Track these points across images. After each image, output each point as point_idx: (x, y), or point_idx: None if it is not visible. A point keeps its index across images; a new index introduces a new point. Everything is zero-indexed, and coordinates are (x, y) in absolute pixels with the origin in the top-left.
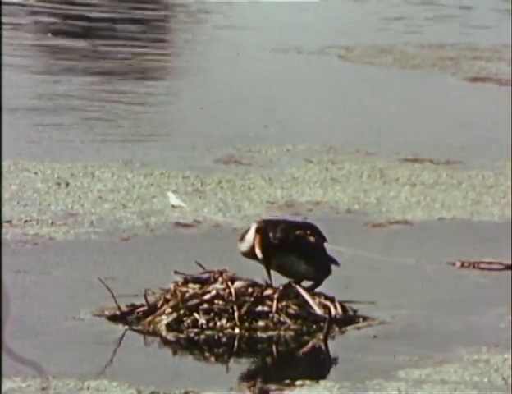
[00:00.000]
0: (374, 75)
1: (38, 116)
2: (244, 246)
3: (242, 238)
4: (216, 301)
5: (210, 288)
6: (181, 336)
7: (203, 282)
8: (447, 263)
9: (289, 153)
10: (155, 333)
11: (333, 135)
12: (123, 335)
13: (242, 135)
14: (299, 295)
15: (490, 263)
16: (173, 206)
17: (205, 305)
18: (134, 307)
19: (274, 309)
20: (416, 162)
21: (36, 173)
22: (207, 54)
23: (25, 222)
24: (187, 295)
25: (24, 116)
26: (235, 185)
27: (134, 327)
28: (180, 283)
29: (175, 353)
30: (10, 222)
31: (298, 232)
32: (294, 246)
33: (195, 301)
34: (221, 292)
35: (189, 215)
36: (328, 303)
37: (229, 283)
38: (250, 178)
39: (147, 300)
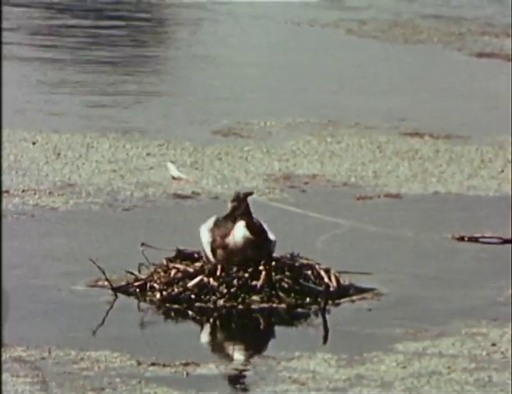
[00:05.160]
0: (375, 49)
1: (37, 87)
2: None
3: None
4: (208, 278)
5: (201, 264)
6: (175, 308)
7: (195, 258)
8: (444, 237)
9: (288, 126)
10: (151, 306)
11: (333, 109)
12: (119, 307)
13: (241, 107)
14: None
15: (489, 237)
16: (173, 178)
17: (198, 281)
18: (128, 282)
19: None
20: (416, 136)
21: (34, 143)
22: (209, 26)
23: (23, 191)
24: (179, 272)
25: (23, 85)
26: (233, 158)
27: (130, 300)
28: (172, 258)
29: (170, 325)
30: (8, 191)
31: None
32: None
33: (187, 278)
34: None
35: (187, 187)
36: (323, 274)
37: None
38: (248, 150)
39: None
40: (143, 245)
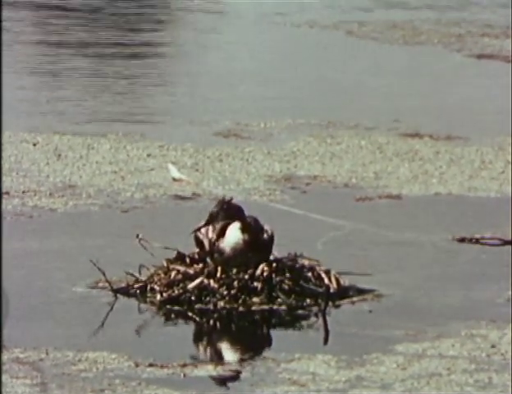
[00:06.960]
0: (375, 50)
1: (38, 88)
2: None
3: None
4: (208, 279)
5: (202, 266)
6: (175, 310)
7: (196, 260)
8: (444, 238)
9: (289, 127)
10: (151, 307)
11: (332, 110)
12: (119, 309)
13: (241, 108)
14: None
15: (490, 238)
16: (174, 179)
17: (198, 282)
18: (128, 284)
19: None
20: (416, 137)
21: (35, 145)
22: (209, 28)
23: (23, 192)
24: (179, 273)
25: (24, 87)
26: (234, 159)
27: (130, 301)
28: (173, 260)
29: (170, 326)
30: (8, 193)
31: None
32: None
33: (187, 279)
34: (213, 270)
35: (188, 188)
36: (324, 275)
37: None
38: (249, 152)
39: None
40: (137, 237)
